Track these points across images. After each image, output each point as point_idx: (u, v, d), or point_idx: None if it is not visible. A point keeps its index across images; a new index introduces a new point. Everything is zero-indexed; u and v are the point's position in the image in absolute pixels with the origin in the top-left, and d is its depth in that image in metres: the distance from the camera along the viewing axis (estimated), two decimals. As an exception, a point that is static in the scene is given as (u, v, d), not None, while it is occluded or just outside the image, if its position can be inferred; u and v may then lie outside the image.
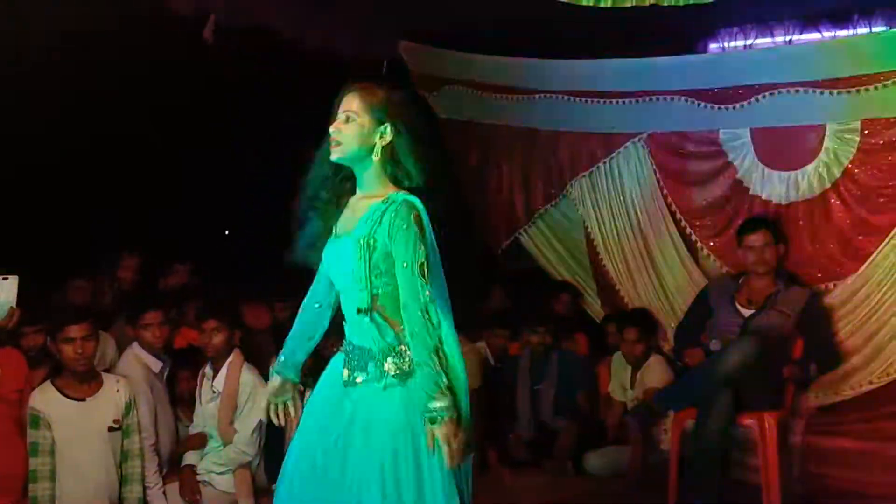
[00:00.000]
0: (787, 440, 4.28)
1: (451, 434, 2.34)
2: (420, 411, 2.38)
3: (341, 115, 2.51)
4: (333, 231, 2.59)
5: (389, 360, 2.48)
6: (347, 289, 2.54)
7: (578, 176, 5.62)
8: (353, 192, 2.61)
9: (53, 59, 4.87)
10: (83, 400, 3.94)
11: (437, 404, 2.34)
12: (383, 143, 2.50)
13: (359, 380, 2.53)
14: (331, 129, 2.51)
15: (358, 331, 2.54)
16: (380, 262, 2.46)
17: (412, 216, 2.43)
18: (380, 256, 2.45)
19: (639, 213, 5.39)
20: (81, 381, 3.95)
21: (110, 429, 3.98)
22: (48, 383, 3.95)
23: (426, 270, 2.41)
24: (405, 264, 2.41)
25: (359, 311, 2.50)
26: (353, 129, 2.49)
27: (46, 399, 3.88)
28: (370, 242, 2.45)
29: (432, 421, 2.35)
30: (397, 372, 2.48)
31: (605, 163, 5.51)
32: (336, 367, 2.64)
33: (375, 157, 2.51)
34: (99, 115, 5.43)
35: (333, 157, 2.51)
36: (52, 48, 4.78)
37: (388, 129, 2.50)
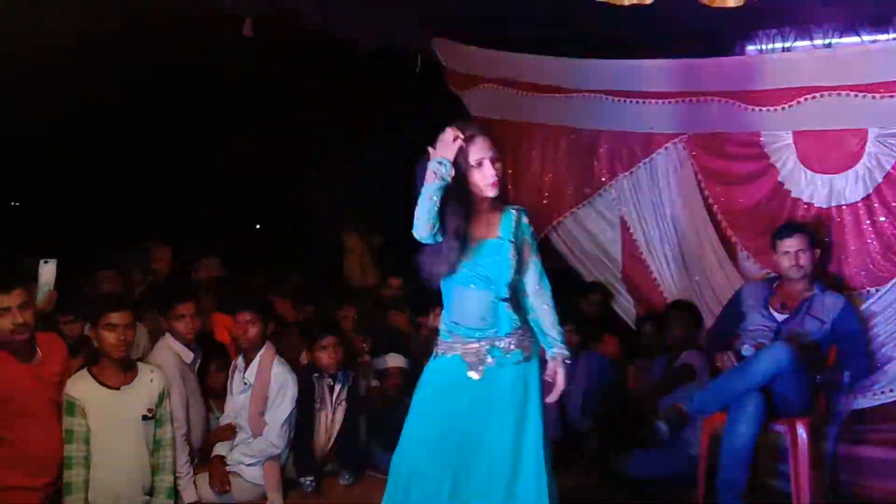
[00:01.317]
0: (818, 447, 4.22)
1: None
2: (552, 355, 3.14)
3: (489, 158, 3.03)
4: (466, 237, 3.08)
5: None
6: (489, 283, 3.08)
7: (619, 175, 5.58)
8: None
9: (53, 59, 4.92)
10: (118, 388, 4.00)
11: (567, 352, 3.15)
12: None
13: (490, 361, 3.10)
14: (489, 174, 3.03)
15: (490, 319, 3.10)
16: (518, 259, 3.12)
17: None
18: (518, 254, 3.12)
19: (679, 213, 5.34)
20: (117, 369, 4.01)
21: (144, 417, 4.03)
22: (84, 371, 4.00)
23: None
24: (538, 256, 3.19)
25: (502, 300, 3.09)
26: (499, 168, 3.08)
27: (82, 386, 3.94)
28: (517, 244, 3.12)
29: (564, 360, 3.13)
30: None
31: (645, 163, 5.47)
32: (447, 363, 3.16)
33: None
34: (88, 115, 5.48)
35: (493, 193, 3.07)
36: (51, 48, 4.84)
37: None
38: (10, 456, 3.75)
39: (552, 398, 3.14)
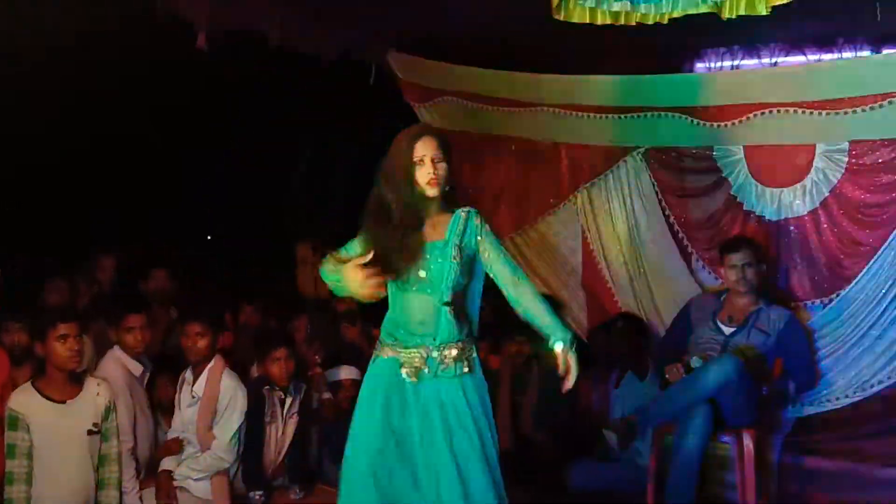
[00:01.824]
0: (765, 458, 4.27)
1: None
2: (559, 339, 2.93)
3: (431, 157, 2.98)
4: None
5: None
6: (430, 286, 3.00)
7: (580, 186, 5.62)
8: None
9: (53, 59, 4.89)
10: (63, 402, 3.91)
11: (568, 334, 2.94)
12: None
13: (426, 371, 3.01)
14: (428, 171, 2.97)
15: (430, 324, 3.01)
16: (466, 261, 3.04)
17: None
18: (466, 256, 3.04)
19: (639, 224, 5.40)
20: (63, 382, 3.93)
21: (89, 432, 3.95)
22: (28, 385, 3.92)
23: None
24: (503, 251, 3.07)
25: (444, 304, 2.98)
26: (443, 168, 2.99)
27: (26, 400, 3.86)
28: (464, 245, 3.03)
29: (571, 345, 2.92)
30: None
31: (605, 174, 5.52)
32: (384, 365, 3.08)
33: (447, 187, 3.04)
34: (88, 115, 5.44)
35: (433, 192, 2.99)
36: (51, 48, 4.80)
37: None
38: None
39: (567, 385, 2.96)
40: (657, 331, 5.23)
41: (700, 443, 4.06)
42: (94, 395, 4.00)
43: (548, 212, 5.82)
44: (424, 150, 2.98)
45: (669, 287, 5.25)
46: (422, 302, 3.02)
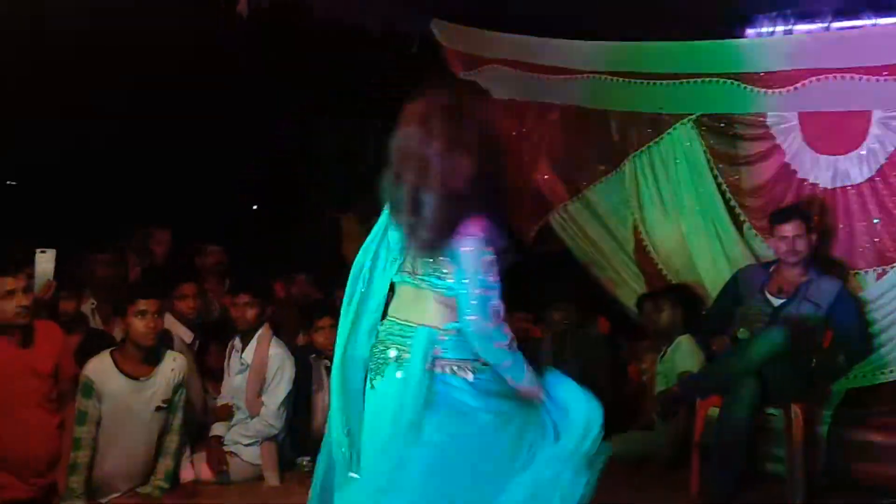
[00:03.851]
0: (813, 431, 4.22)
1: None
2: None
3: None
4: None
5: None
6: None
7: (630, 154, 5.55)
8: None
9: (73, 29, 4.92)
10: (137, 379, 3.98)
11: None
12: None
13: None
14: None
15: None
16: None
17: None
18: None
19: (689, 192, 5.31)
20: (140, 359, 4.00)
21: (157, 408, 4.02)
22: (107, 354, 3.98)
23: None
24: None
25: None
26: None
27: (102, 371, 3.92)
28: None
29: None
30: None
31: (656, 142, 5.45)
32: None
33: None
34: (125, 92, 5.49)
35: None
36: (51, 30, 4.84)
37: None
38: (1, 453, 3.75)
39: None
40: (706, 303, 5.17)
41: (747, 415, 4.00)
42: (168, 371, 4.06)
43: (597, 180, 5.75)
44: None
45: (720, 257, 5.16)
46: None
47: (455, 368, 2.42)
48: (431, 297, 2.46)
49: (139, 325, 3.92)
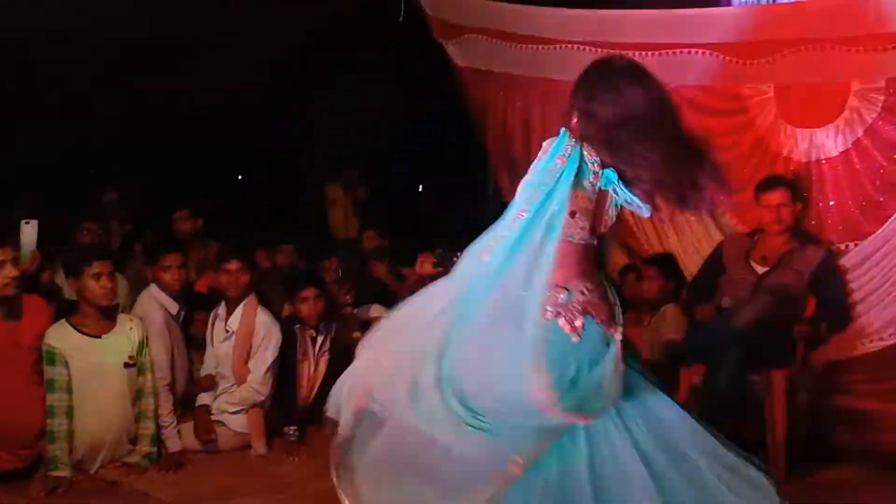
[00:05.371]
0: (795, 398, 4.28)
1: None
2: None
3: None
4: None
5: None
6: None
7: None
8: None
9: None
10: (99, 337, 4.02)
11: None
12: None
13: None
14: None
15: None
16: None
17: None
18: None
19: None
20: (98, 318, 4.04)
21: (125, 365, 4.05)
22: (63, 321, 4.01)
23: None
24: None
25: None
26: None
27: (62, 336, 3.95)
28: None
29: None
30: None
31: (626, 116, 5.44)
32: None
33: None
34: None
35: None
36: None
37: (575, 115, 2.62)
38: None
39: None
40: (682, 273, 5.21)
41: (730, 382, 4.05)
42: (127, 331, 4.11)
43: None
44: None
45: (691, 233, 5.19)
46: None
47: None
48: None
49: (95, 286, 3.96)
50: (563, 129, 2.53)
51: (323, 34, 6.09)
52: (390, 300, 5.21)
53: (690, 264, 5.13)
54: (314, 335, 4.66)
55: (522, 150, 5.92)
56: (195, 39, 5.64)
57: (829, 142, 4.76)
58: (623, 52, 5.17)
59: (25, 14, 4.89)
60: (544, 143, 2.53)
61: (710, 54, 5.01)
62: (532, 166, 2.51)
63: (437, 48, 6.10)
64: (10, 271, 3.76)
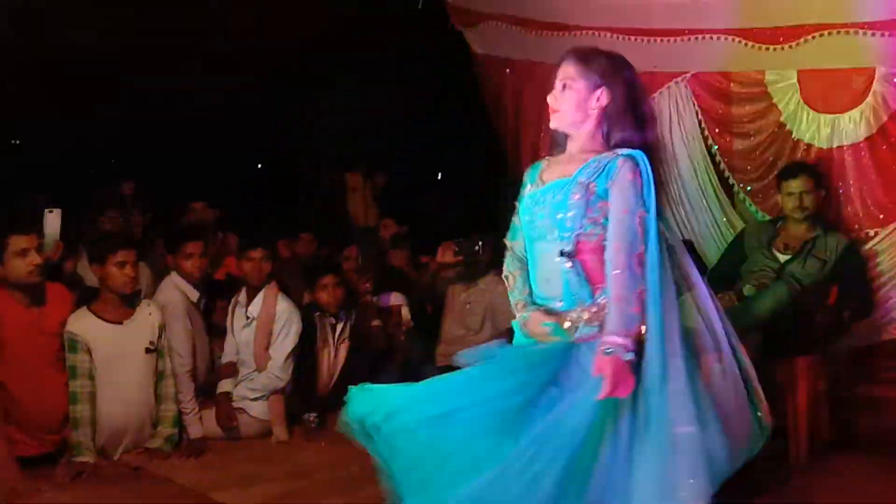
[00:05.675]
0: (817, 386, 4.26)
1: (615, 372, 2.23)
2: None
3: (558, 84, 2.52)
4: (535, 182, 2.55)
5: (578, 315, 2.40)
6: (549, 234, 2.47)
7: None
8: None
9: None
10: (120, 323, 4.06)
11: (617, 340, 2.26)
12: (600, 107, 2.49)
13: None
14: (548, 98, 2.52)
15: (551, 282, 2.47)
16: (595, 209, 2.40)
17: (639, 170, 2.39)
18: (596, 202, 2.40)
19: (680, 153, 5.30)
20: (119, 305, 4.08)
21: (147, 350, 4.10)
22: (84, 309, 4.05)
23: (646, 225, 2.36)
24: (626, 210, 2.36)
25: (561, 253, 2.41)
26: (569, 96, 2.49)
27: (83, 323, 3.99)
28: (590, 186, 2.40)
29: (605, 353, 2.25)
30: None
31: (648, 101, 5.41)
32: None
33: (592, 121, 2.49)
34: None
35: (552, 124, 2.54)
36: None
37: (604, 92, 2.48)
38: (14, 411, 3.79)
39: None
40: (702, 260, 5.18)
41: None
42: (147, 316, 4.15)
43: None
44: (559, 74, 2.54)
45: (710, 221, 5.17)
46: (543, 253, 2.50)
47: None
48: None
49: (118, 274, 4.01)
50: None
51: (341, 22, 6.10)
52: (409, 288, 5.24)
53: (710, 252, 5.12)
54: (334, 322, 4.69)
55: (538, 138, 5.91)
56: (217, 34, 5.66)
57: (852, 128, 4.72)
58: (647, 38, 5.25)
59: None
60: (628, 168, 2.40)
61: (733, 40, 4.98)
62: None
63: (454, 36, 6.08)
64: (35, 258, 3.80)
